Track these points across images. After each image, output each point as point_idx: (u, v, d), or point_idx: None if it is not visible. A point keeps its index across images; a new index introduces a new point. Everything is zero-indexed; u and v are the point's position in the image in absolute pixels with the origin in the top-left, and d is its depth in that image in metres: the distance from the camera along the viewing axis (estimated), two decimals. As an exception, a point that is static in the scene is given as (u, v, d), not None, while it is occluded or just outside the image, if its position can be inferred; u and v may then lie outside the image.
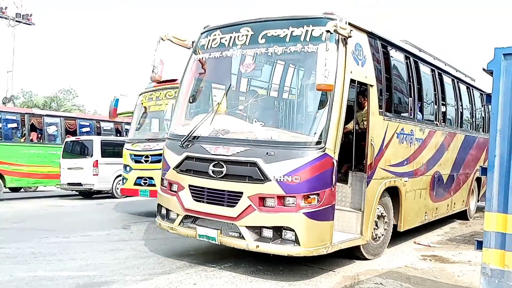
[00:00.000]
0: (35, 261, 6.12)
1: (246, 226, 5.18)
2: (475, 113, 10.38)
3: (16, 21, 29.70)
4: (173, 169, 5.89)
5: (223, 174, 5.37)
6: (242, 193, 5.22)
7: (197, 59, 6.29)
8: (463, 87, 9.68)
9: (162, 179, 6.19)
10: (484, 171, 3.52)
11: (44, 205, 12.90)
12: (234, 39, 5.87)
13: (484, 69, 3.66)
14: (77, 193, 15.57)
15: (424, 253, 7.08)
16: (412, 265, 6.34)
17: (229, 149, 5.39)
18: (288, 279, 5.38)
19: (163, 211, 6.10)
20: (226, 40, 5.96)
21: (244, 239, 5.19)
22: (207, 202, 5.51)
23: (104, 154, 14.49)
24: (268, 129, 5.50)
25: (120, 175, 13.50)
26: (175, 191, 5.83)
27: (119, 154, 12.82)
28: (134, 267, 5.82)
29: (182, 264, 5.97)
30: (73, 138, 15.38)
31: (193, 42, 6.39)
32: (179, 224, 5.77)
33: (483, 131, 10.87)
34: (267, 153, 5.15)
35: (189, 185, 5.68)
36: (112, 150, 14.60)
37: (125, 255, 6.48)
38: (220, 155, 5.43)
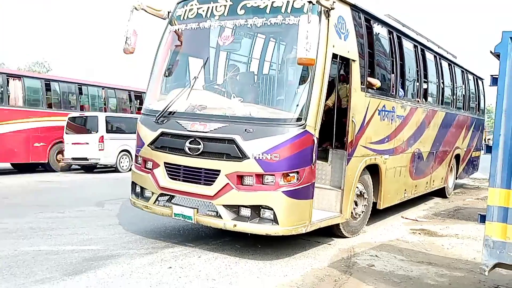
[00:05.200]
0: (35, 235, 6.06)
1: (224, 205, 5.04)
2: (456, 91, 10.37)
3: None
4: (147, 145, 5.67)
5: (200, 151, 5.19)
6: (219, 171, 5.05)
7: (172, 30, 6.00)
8: (445, 64, 9.62)
9: (136, 156, 5.97)
10: (489, 149, 3.64)
11: (32, 181, 12.76)
12: (212, 9, 5.60)
13: (491, 52, 3.70)
14: (79, 167, 16.06)
15: (413, 227, 7.35)
16: (403, 238, 6.59)
17: (206, 126, 5.19)
18: (288, 253, 5.47)
19: (138, 189, 5.91)
20: (203, 11, 5.68)
21: (222, 218, 5.05)
22: (183, 180, 5.33)
23: (109, 130, 15.03)
24: (247, 105, 5.30)
25: (124, 150, 15.31)
26: (150, 169, 5.63)
27: (122, 130, 15.28)
28: (137, 241, 5.82)
29: (187, 235, 5.99)
30: (76, 114, 15.44)
31: (168, 13, 6.10)
32: (154, 202, 5.60)
33: (463, 109, 10.90)
34: (245, 130, 4.97)
35: (165, 163, 5.48)
36: (116, 126, 15.40)
37: (125, 229, 6.45)
38: (197, 131, 5.23)
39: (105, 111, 16.84)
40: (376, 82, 6.39)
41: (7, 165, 15.70)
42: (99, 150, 14.80)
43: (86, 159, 14.95)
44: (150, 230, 6.45)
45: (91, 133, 14.92)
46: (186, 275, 4.58)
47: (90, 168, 15.90)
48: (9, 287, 4.16)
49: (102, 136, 14.85)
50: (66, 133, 15.02)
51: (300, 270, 4.90)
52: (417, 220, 7.95)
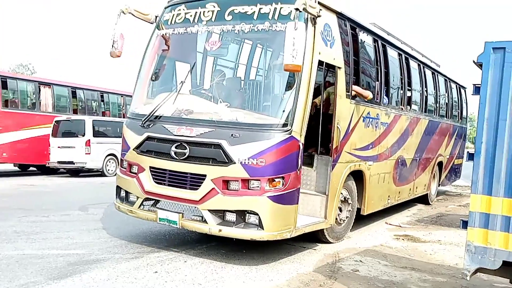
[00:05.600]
0: (19, 239, 5.98)
1: (209, 210, 5.03)
2: (439, 99, 10.55)
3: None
4: (133, 149, 5.64)
5: (186, 156, 5.18)
6: (205, 175, 5.05)
7: (160, 34, 6.01)
8: (428, 72, 9.78)
9: (121, 160, 5.94)
10: (470, 156, 3.72)
11: (14, 184, 12.58)
12: (200, 14, 5.62)
13: (474, 62, 3.79)
14: (65, 171, 16.09)
15: (396, 233, 7.46)
16: (387, 244, 6.67)
17: (193, 130, 5.19)
18: (273, 257, 5.51)
19: (122, 193, 5.87)
20: (191, 16, 5.70)
21: (207, 223, 5.05)
22: (169, 185, 5.32)
23: (96, 133, 15.06)
24: (234, 110, 5.32)
25: (110, 154, 15.27)
26: (135, 173, 5.60)
27: (109, 134, 15.35)
28: (122, 245, 5.78)
29: (173, 240, 5.96)
30: (63, 118, 15.44)
31: (156, 17, 6.10)
32: (139, 207, 5.57)
33: (445, 117, 11.08)
34: (232, 134, 4.99)
35: (150, 167, 5.46)
36: (103, 130, 15.49)
37: (110, 233, 6.41)
38: (183, 136, 5.23)
39: (124, 117, 16.92)
40: (368, 94, 6.44)
41: (9, 167, 16.18)
42: (86, 154, 14.79)
43: (72, 162, 14.90)
44: (135, 234, 6.40)
45: (77, 136, 14.92)
46: (172, 279, 4.56)
47: (75, 172, 15.79)
48: (-8, 291, 4.11)
49: (89, 140, 14.83)
50: (52, 136, 14.98)
51: (286, 274, 4.92)
52: (400, 226, 8.04)
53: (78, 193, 11.33)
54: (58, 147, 14.90)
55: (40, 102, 15.75)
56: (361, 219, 7.36)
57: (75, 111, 16.58)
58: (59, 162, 15.05)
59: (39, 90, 15.74)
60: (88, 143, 14.79)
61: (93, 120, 15.25)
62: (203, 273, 4.80)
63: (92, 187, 12.53)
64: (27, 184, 12.64)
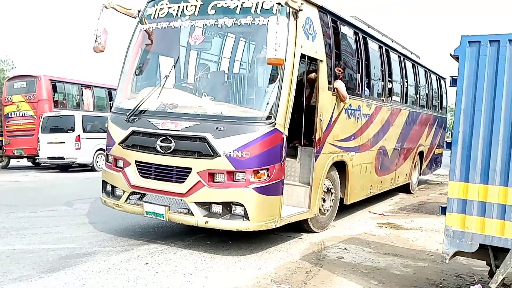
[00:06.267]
0: (8, 235, 6.00)
1: (195, 202, 5.12)
2: (419, 90, 10.76)
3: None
4: (118, 144, 5.68)
5: (171, 150, 5.24)
6: (191, 169, 5.12)
7: (143, 29, 6.03)
8: (408, 64, 9.96)
9: (107, 155, 5.97)
10: (448, 145, 3.87)
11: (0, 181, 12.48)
12: (183, 9, 5.65)
13: (451, 55, 3.91)
14: (54, 166, 16.17)
15: (380, 221, 7.66)
16: (370, 232, 6.87)
17: (178, 124, 5.25)
18: (261, 247, 5.63)
19: (108, 188, 5.91)
20: (174, 10, 5.73)
21: (193, 215, 5.13)
22: (155, 178, 5.37)
23: (85, 129, 15.09)
24: (218, 104, 5.39)
25: (100, 149, 15.04)
26: (121, 167, 5.64)
27: (98, 129, 15.16)
28: (112, 239, 5.82)
29: (162, 233, 6.04)
30: (52, 113, 15.55)
31: (139, 11, 6.11)
32: (125, 201, 5.61)
33: (426, 108, 11.31)
34: (216, 128, 5.06)
35: (136, 161, 5.50)
36: (92, 125, 15.45)
37: (99, 228, 6.43)
38: (168, 130, 5.28)
39: None
40: (346, 97, 6.46)
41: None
42: (76, 149, 14.81)
43: (62, 158, 14.94)
44: (124, 228, 6.46)
45: (67, 132, 14.92)
46: (163, 270, 4.66)
47: (65, 167, 15.84)
48: (-15, 286, 4.13)
49: (79, 135, 14.83)
50: (41, 132, 15.00)
51: (273, 263, 5.05)
52: (383, 215, 8.25)
53: (65, 188, 11.28)
54: (48, 142, 14.92)
55: (83, 102, 17.23)
56: (345, 209, 7.53)
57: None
58: (49, 158, 15.11)
59: (82, 91, 17.28)
60: (78, 138, 14.79)
61: (82, 116, 15.26)
62: (193, 264, 4.90)
63: (78, 182, 12.47)
64: (11, 181, 12.52)
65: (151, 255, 5.15)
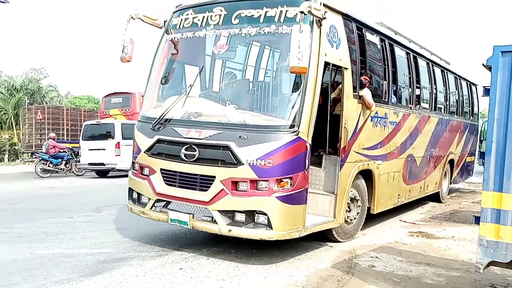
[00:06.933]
0: (48, 239, 6.25)
1: (219, 210, 5.13)
2: (449, 97, 10.50)
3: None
4: (144, 152, 5.77)
5: (195, 158, 5.28)
6: (214, 177, 5.15)
7: (169, 39, 6.13)
8: (437, 70, 9.75)
9: (133, 163, 6.08)
10: (482, 155, 3.87)
11: (35, 186, 13.01)
12: (207, 19, 5.72)
13: (483, 65, 3.91)
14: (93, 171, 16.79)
15: (411, 230, 7.54)
16: (402, 240, 6.77)
17: (202, 132, 5.29)
18: (291, 255, 5.68)
19: (134, 195, 6.00)
20: (199, 20, 5.80)
21: (217, 223, 5.14)
22: (179, 186, 5.43)
23: (124, 136, 15.57)
24: (241, 112, 5.40)
25: None
26: (147, 175, 5.72)
27: None
28: (146, 244, 6.02)
29: (193, 239, 6.20)
30: (93, 122, 16.69)
31: (165, 22, 6.22)
32: (151, 208, 5.69)
33: (456, 115, 11.03)
34: (240, 136, 5.07)
35: (161, 169, 5.57)
36: (131, 132, 15.50)
37: (133, 233, 6.63)
38: (192, 138, 5.33)
39: None
40: (372, 105, 6.39)
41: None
42: (116, 155, 15.46)
43: (103, 164, 15.68)
44: (157, 233, 6.62)
45: (107, 139, 15.65)
46: (197, 275, 4.76)
47: (103, 173, 16.49)
48: (31, 288, 4.31)
49: (119, 142, 15.49)
50: (82, 139, 15.86)
51: (305, 270, 5.06)
52: (414, 223, 8.09)
53: (98, 194, 11.59)
54: (89, 149, 15.74)
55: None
56: (375, 217, 7.41)
57: None
58: (90, 164, 15.84)
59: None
60: (118, 145, 15.45)
61: (121, 124, 15.89)
62: (226, 270, 4.98)
63: (112, 188, 12.81)
64: (45, 187, 12.93)
65: (184, 261, 5.26)
